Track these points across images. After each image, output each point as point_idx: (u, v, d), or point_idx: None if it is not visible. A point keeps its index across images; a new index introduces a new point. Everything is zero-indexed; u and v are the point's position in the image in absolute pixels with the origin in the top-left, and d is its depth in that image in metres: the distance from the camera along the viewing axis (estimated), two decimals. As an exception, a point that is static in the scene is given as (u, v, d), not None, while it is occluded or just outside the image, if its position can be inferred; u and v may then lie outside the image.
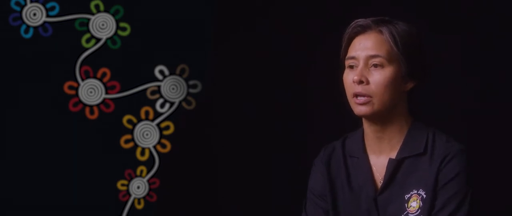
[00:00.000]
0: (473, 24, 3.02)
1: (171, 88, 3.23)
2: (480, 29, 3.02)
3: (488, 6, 3.01)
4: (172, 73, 3.23)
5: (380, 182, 2.09)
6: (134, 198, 3.23)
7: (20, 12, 3.15)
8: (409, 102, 2.10)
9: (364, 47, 2.06)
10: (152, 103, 3.23)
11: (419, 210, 2.02)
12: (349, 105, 2.10)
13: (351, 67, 2.07)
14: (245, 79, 3.25)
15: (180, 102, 3.24)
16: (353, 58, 2.07)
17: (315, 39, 3.19)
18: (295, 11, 3.22)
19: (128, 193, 3.23)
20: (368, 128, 2.11)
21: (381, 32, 2.06)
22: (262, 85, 3.24)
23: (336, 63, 3.05)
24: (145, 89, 3.22)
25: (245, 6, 3.22)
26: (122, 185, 3.23)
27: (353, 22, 2.10)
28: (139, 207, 3.23)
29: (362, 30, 2.08)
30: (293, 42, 3.22)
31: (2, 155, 3.17)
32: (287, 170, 3.23)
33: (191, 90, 3.24)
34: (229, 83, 3.26)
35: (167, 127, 3.25)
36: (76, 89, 3.19)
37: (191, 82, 3.24)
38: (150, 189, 3.24)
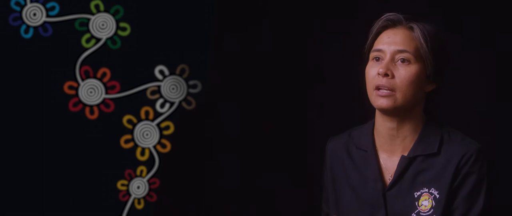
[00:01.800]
0: (473, 24, 3.03)
1: (171, 88, 3.23)
2: (482, 29, 3.03)
3: (489, 6, 3.02)
4: (172, 73, 3.23)
5: (389, 178, 2.09)
6: (134, 198, 3.23)
7: (20, 12, 3.15)
8: (426, 103, 2.10)
9: (393, 41, 2.05)
10: (152, 103, 3.23)
11: (432, 210, 2.02)
12: (367, 98, 2.09)
13: (377, 59, 2.06)
14: (245, 79, 3.25)
15: (180, 102, 3.24)
16: (379, 50, 2.06)
17: (315, 39, 3.20)
18: (295, 11, 3.22)
19: (128, 193, 3.23)
20: (382, 125, 2.10)
21: (411, 28, 2.06)
22: (262, 85, 3.24)
23: (336, 63, 3.06)
24: (145, 89, 3.22)
25: (245, 6, 3.22)
26: (122, 185, 3.23)
27: (384, 16, 2.10)
28: (139, 207, 3.23)
29: (392, 24, 2.08)
30: (293, 42, 3.22)
31: (2, 155, 3.16)
32: (287, 170, 3.23)
33: (191, 90, 3.24)
34: (229, 83, 3.26)
35: (167, 127, 3.25)
36: (76, 89, 3.19)
37: (191, 82, 3.24)
38: (150, 189, 3.24)
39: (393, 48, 2.04)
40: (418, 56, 2.04)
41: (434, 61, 2.04)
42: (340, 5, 3.15)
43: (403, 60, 2.03)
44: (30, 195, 3.17)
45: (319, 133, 2.99)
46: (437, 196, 2.02)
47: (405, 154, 2.07)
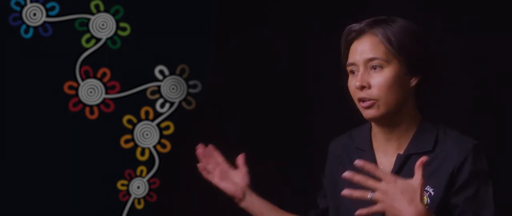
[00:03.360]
0: (473, 24, 3.03)
1: (171, 88, 3.23)
2: (480, 29, 3.03)
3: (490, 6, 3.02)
4: (172, 73, 3.23)
5: (386, 177, 2.09)
6: (134, 198, 3.23)
7: (20, 12, 3.15)
8: (418, 99, 2.10)
9: (361, 51, 2.05)
10: (152, 103, 3.23)
11: (427, 207, 2.02)
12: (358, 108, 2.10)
13: (353, 72, 2.08)
14: (245, 79, 3.25)
15: (180, 102, 3.24)
16: (352, 64, 2.07)
17: (315, 39, 3.20)
18: (295, 11, 3.22)
19: (128, 193, 3.23)
20: (376, 128, 2.12)
21: (375, 34, 2.06)
22: (262, 85, 3.24)
23: (336, 64, 3.06)
24: (145, 89, 3.23)
25: (245, 6, 3.22)
26: (122, 185, 3.23)
27: (347, 28, 2.10)
28: (139, 207, 3.23)
29: (357, 35, 2.08)
30: (293, 42, 3.22)
31: (2, 156, 3.16)
32: (287, 170, 3.23)
33: (191, 90, 3.25)
34: (229, 83, 3.26)
35: (167, 127, 3.25)
36: (76, 89, 3.19)
37: (191, 82, 3.24)
38: (150, 189, 3.24)
39: (363, 57, 2.04)
40: (388, 58, 2.03)
41: (406, 58, 2.04)
42: (340, 5, 3.15)
43: (375, 67, 2.03)
44: (30, 195, 3.17)
45: (319, 133, 2.99)
46: (432, 193, 2.02)
47: (401, 153, 2.08)
